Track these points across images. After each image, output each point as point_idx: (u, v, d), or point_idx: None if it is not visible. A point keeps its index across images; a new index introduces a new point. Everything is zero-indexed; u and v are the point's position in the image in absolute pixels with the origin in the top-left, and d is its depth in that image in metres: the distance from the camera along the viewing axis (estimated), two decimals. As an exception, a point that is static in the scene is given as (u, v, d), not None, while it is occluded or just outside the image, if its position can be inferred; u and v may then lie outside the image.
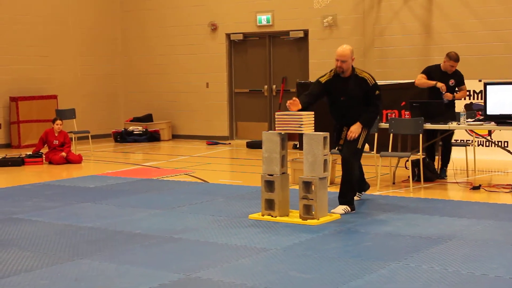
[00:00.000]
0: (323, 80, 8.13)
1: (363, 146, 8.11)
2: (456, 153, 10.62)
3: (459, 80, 10.41)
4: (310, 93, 8.08)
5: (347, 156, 8.05)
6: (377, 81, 8.13)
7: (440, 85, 10.17)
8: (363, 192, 8.70)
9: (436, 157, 10.78)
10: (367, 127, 8.09)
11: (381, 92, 8.09)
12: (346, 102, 8.06)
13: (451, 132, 10.40)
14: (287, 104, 7.77)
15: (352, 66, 8.05)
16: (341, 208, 7.91)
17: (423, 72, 10.49)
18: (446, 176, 10.46)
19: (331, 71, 8.15)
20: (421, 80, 10.39)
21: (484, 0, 13.75)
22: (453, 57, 10.31)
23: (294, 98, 7.81)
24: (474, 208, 8.22)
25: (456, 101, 10.58)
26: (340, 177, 8.16)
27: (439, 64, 10.48)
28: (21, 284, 5.41)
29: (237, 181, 10.69)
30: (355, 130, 7.95)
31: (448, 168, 10.91)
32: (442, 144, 10.51)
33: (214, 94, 17.29)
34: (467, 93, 11.47)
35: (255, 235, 6.91)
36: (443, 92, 10.19)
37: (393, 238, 6.74)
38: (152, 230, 7.16)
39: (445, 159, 10.55)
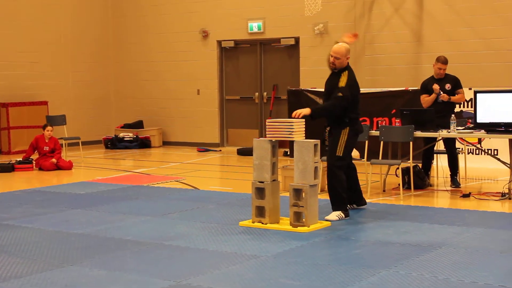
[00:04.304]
0: None
1: (347, 153, 8.05)
2: (446, 161, 10.63)
3: (455, 84, 10.44)
4: None
5: (328, 164, 8.07)
6: (352, 86, 8.08)
7: (435, 87, 10.24)
8: (354, 205, 8.61)
9: (432, 166, 10.80)
10: (314, 114, 7.88)
11: (344, 98, 7.90)
12: (325, 95, 8.21)
13: (452, 140, 10.41)
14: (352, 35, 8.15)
15: (348, 64, 8.09)
16: (335, 215, 7.92)
17: (421, 90, 10.54)
18: (459, 184, 10.39)
19: None
20: (424, 100, 10.44)
21: (475, 9, 13.82)
22: (440, 59, 10.41)
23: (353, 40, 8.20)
24: (464, 215, 8.24)
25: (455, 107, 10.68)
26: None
27: (432, 75, 10.55)
28: (11, 291, 5.40)
29: (228, 188, 10.69)
30: (301, 110, 7.85)
31: (440, 176, 10.97)
32: (447, 153, 10.51)
33: (205, 101, 17.29)
34: (465, 98, 11.49)
35: (246, 242, 6.92)
36: (439, 93, 10.25)
37: (383, 245, 6.75)
38: (143, 237, 7.15)
39: (453, 168, 10.49)
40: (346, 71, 8.05)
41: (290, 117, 7.83)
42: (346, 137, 8.03)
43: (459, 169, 10.55)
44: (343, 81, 7.97)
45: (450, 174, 10.51)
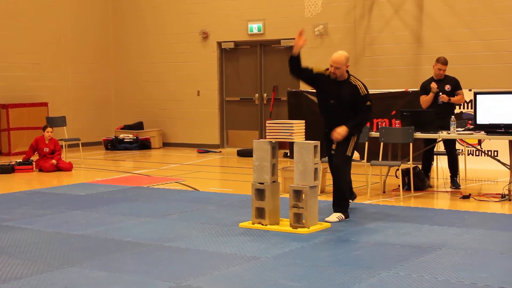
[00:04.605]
0: (315, 70, 8.14)
1: (352, 153, 8.12)
2: (446, 162, 10.63)
3: (454, 85, 10.44)
4: (305, 68, 8.09)
5: (337, 163, 8.06)
6: (369, 91, 8.15)
7: (433, 85, 10.24)
8: (350, 201, 8.64)
9: (432, 167, 10.80)
10: (353, 132, 8.02)
11: (372, 103, 8.08)
12: (336, 106, 8.06)
13: (452, 141, 10.41)
14: (298, 33, 7.91)
15: (347, 71, 8.07)
16: (335, 216, 7.93)
17: (421, 90, 10.54)
18: (459, 186, 10.38)
19: (326, 70, 8.11)
20: (423, 100, 10.44)
21: (475, 10, 13.82)
22: (440, 60, 10.41)
23: (304, 38, 7.91)
24: (464, 217, 8.24)
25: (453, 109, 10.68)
26: (331, 185, 8.18)
27: (432, 77, 10.55)
28: (11, 292, 5.40)
29: (228, 189, 10.69)
30: (341, 131, 7.90)
31: (440, 177, 10.97)
32: (447, 154, 10.51)
33: (205, 102, 17.30)
34: (465, 100, 11.47)
35: (246, 243, 6.92)
36: (439, 94, 10.25)
37: (383, 247, 6.75)
38: (143, 238, 7.15)
39: (453, 169, 10.48)
40: (353, 77, 8.09)
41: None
42: (356, 137, 8.12)
43: (459, 170, 10.55)
44: (362, 88, 8.01)
45: (450, 176, 10.51)
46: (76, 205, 9.19)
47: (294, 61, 8.01)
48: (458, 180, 10.44)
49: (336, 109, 8.05)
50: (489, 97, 9.61)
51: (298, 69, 8.08)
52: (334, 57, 7.96)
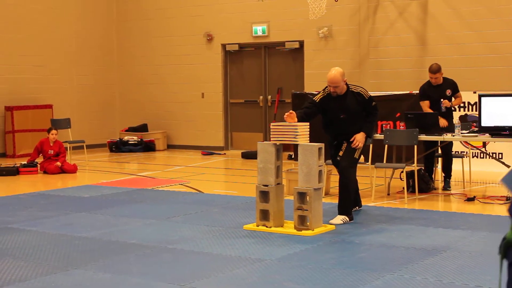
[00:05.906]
0: (317, 98, 8.16)
1: (359, 156, 8.17)
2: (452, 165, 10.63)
3: (454, 88, 10.46)
4: (305, 111, 8.03)
5: (345, 166, 8.08)
6: (370, 93, 8.24)
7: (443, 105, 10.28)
8: (356, 207, 8.68)
9: (436, 169, 10.79)
10: (370, 136, 8.27)
11: (376, 103, 8.19)
12: (347, 119, 8.11)
13: (449, 143, 10.42)
14: (284, 116, 7.79)
15: (346, 83, 8.11)
16: (340, 218, 7.94)
17: (421, 96, 10.55)
18: (450, 188, 10.42)
19: (324, 89, 8.17)
20: (424, 107, 10.46)
21: (479, 13, 13.81)
22: (430, 69, 10.40)
23: (291, 111, 7.83)
24: (468, 219, 8.22)
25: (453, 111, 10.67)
26: (335, 187, 8.19)
27: (429, 80, 10.55)
28: (15, 294, 5.41)
29: (232, 192, 10.69)
30: (360, 138, 8.05)
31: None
32: (443, 156, 10.52)
33: (210, 104, 17.30)
34: (463, 103, 11.47)
35: (250, 245, 6.91)
36: (441, 101, 10.26)
37: (388, 249, 6.75)
38: (147, 240, 7.15)
39: (447, 171, 10.52)
40: (352, 86, 8.17)
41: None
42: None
43: (451, 171, 10.56)
44: (364, 92, 8.14)
45: (444, 176, 10.52)
46: (81, 207, 9.20)
47: (305, 120, 7.92)
48: (463, 183, 10.43)
49: (349, 122, 8.14)
50: (494, 99, 9.60)
51: (312, 116, 8.12)
52: (330, 77, 7.98)
